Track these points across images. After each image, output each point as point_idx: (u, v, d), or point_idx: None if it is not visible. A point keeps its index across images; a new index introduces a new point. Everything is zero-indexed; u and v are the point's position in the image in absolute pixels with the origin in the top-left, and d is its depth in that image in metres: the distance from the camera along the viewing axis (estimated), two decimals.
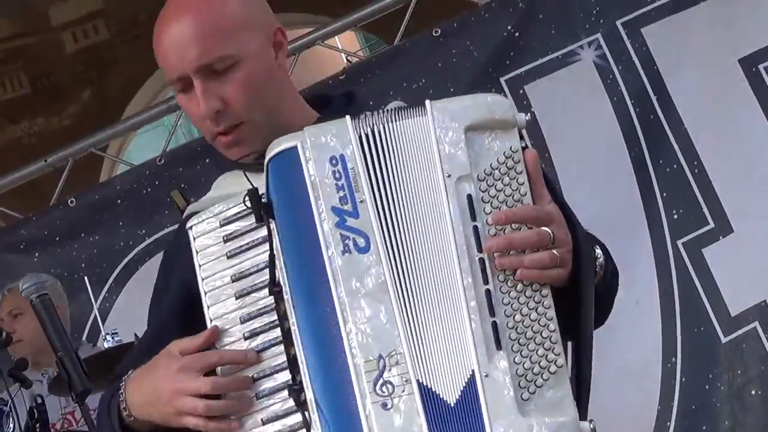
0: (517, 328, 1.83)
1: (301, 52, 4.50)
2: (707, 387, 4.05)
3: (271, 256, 1.88)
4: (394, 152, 1.88)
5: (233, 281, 1.93)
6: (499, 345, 1.80)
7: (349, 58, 5.53)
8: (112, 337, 4.40)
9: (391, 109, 1.92)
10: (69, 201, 5.45)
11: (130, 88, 10.36)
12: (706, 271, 4.12)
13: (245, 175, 1.97)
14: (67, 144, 5.87)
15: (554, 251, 1.85)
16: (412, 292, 1.84)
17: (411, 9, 4.43)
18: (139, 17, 11.18)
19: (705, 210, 4.15)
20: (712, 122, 4.20)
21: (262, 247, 1.92)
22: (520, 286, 1.85)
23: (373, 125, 1.88)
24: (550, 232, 1.86)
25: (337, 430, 1.81)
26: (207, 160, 4.91)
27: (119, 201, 5.32)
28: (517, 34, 4.29)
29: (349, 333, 1.81)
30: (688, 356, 4.11)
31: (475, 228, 1.83)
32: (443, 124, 1.88)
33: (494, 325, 1.81)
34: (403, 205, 1.86)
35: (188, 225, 2.00)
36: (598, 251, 2.02)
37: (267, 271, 1.91)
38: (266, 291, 1.91)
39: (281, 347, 1.89)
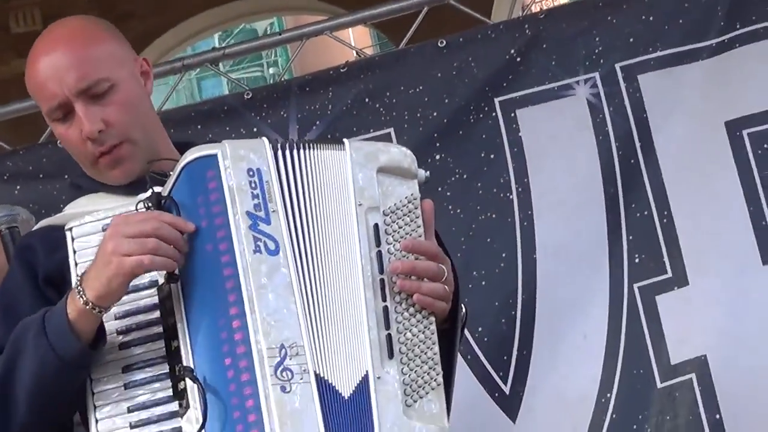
0: (406, 344, 2.06)
1: (308, 38, 4.59)
2: (635, 427, 4.13)
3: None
4: (308, 174, 2.07)
5: None
6: (391, 354, 2.02)
7: (358, 52, 5.61)
8: None
9: (310, 140, 2.11)
10: (58, 141, 5.49)
11: (142, 42, 10.41)
12: (655, 317, 4.18)
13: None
14: None
15: (445, 287, 2.11)
16: (315, 295, 2.02)
17: (421, 16, 4.51)
18: None
19: (666, 259, 4.21)
20: (688, 177, 4.27)
21: None
22: (412, 309, 2.08)
23: (290, 148, 2.08)
24: (445, 269, 2.11)
25: (233, 409, 1.93)
26: (198, 127, 4.99)
27: None
28: (518, 58, 4.34)
29: (255, 321, 1.94)
30: (623, 395, 4.17)
31: (379, 253, 2.07)
32: (358, 160, 2.11)
33: (388, 337, 2.03)
34: (314, 222, 2.05)
35: (68, 227, 2.10)
36: (463, 307, 2.28)
37: (145, 274, 2.02)
38: (143, 293, 2.04)
39: (157, 344, 2.02)
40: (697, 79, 4.29)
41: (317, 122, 4.35)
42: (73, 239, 2.09)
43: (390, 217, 2.11)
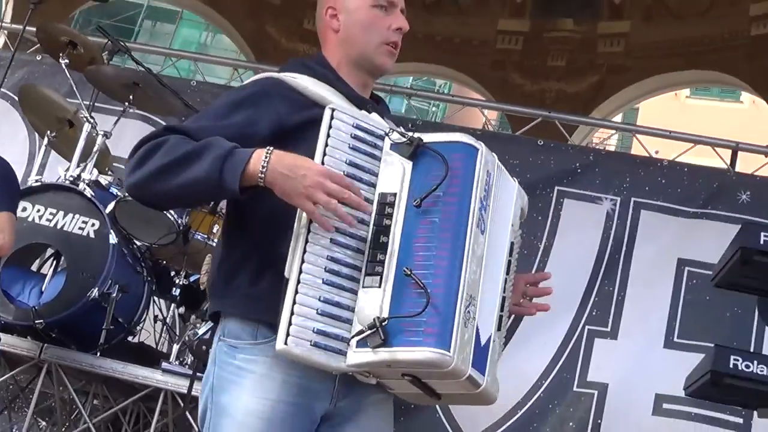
0: (504, 324, 2.45)
1: None
2: (550, 406, 5.68)
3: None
4: (501, 189, 2.43)
5: (348, 164, 2.31)
6: (499, 327, 2.42)
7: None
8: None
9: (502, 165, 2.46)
10: None
11: None
12: (589, 349, 5.70)
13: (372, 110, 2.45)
14: None
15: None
16: (489, 266, 2.35)
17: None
18: None
19: (610, 319, 5.77)
20: (644, 279, 5.88)
21: (374, 160, 2.34)
22: (510, 305, 2.51)
23: (496, 167, 2.41)
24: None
25: (413, 305, 2.20)
26: None
27: None
28: (579, 170, 6.13)
29: (465, 273, 2.25)
30: (552, 384, 5.70)
31: (509, 261, 2.47)
32: (519, 194, 2.56)
33: (500, 317, 2.42)
34: (497, 225, 2.38)
35: (331, 106, 2.30)
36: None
37: (369, 174, 2.32)
38: (365, 186, 2.30)
39: (365, 226, 2.29)
40: (674, 227, 5.92)
41: None
42: (332, 118, 2.27)
43: (516, 241, 2.48)
